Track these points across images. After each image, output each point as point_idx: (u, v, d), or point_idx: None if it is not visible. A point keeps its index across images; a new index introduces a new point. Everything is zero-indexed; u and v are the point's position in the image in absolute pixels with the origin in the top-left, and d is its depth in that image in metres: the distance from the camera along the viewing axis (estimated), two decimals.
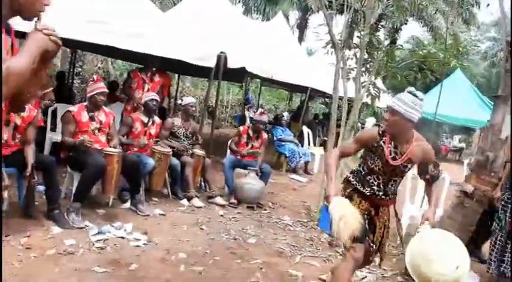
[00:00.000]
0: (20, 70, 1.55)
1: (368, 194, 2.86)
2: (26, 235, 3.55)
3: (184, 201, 5.21)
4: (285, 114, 14.38)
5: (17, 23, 1.80)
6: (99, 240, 3.73)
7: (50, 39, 1.69)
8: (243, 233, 4.55)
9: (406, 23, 17.62)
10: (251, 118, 6.45)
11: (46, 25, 1.70)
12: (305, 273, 3.73)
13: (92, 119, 4.43)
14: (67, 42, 7.82)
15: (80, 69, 10.33)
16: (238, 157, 5.93)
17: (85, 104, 4.50)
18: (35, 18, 1.72)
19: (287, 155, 8.32)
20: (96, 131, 4.45)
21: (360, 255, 2.76)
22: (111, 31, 5.05)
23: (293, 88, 12.69)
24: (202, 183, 5.83)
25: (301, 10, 16.81)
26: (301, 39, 17.33)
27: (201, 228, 4.47)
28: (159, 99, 5.26)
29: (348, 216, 2.58)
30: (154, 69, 6.24)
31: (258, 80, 12.33)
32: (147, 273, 3.30)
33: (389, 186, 2.86)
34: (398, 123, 2.66)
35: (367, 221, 2.87)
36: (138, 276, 3.23)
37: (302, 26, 18.17)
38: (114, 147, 4.46)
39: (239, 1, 17.02)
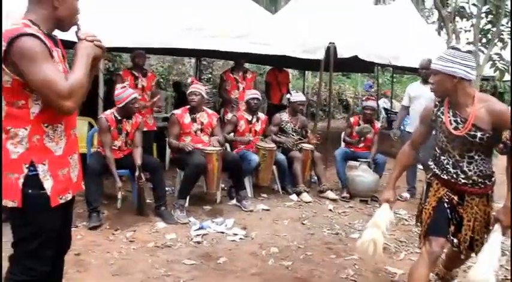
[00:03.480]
0: (80, 83, 1.73)
1: (446, 178, 2.50)
2: (133, 229, 3.92)
3: (294, 197, 5.20)
4: None
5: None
6: (198, 234, 3.92)
7: (95, 44, 1.85)
8: (348, 228, 4.37)
9: None
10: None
11: (87, 32, 1.86)
12: (406, 271, 3.39)
13: (194, 120, 4.69)
14: (189, 52, 8.46)
15: (209, 76, 11.05)
16: (352, 149, 5.70)
17: (188, 107, 4.77)
18: (75, 28, 1.89)
19: None
20: (198, 132, 4.70)
21: (436, 249, 2.43)
22: (211, 35, 5.26)
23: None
24: (315, 178, 5.73)
25: None
26: (440, 20, 15.84)
27: (303, 223, 4.41)
28: (260, 97, 5.32)
29: (377, 242, 2.55)
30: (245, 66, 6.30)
31: (391, 68, 11.67)
32: (234, 266, 3.37)
33: (467, 165, 2.42)
34: (442, 83, 2.34)
35: (448, 211, 2.52)
36: (224, 269, 3.31)
37: (441, 5, 16.69)
38: (219, 145, 4.64)
39: None
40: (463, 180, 2.44)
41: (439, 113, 2.46)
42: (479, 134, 2.32)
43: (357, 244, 2.59)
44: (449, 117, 2.40)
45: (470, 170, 2.42)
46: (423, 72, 5.00)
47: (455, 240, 2.56)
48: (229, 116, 5.75)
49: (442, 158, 2.50)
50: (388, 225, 2.62)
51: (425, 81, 4.98)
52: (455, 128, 2.37)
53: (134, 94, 4.34)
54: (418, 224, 2.70)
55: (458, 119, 2.37)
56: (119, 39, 4.62)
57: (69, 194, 1.92)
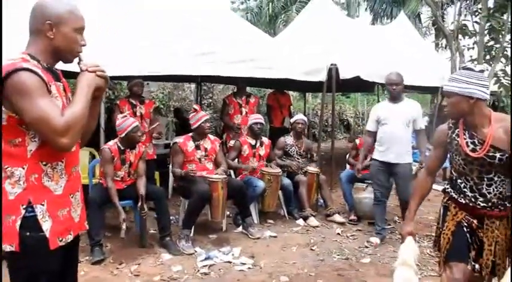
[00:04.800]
0: (78, 117, 1.63)
1: (464, 202, 2.41)
2: (137, 262, 3.80)
3: (300, 221, 5.08)
4: (425, 119, 13.32)
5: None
6: (205, 265, 3.80)
7: (97, 75, 1.77)
8: (358, 252, 4.25)
9: None
10: None
11: (88, 63, 1.78)
12: None
13: (197, 147, 4.62)
14: (190, 77, 8.47)
15: (210, 100, 11.03)
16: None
17: (191, 134, 4.69)
18: (77, 59, 1.81)
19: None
20: (203, 159, 4.62)
21: (457, 276, 2.33)
22: (213, 61, 5.22)
23: (426, 90, 11.64)
24: (322, 201, 5.62)
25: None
26: (438, 36, 15.93)
27: (312, 249, 4.29)
28: (263, 122, 5.26)
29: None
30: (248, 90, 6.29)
31: None
32: None
33: (487, 188, 2.33)
34: (458, 104, 2.26)
35: (468, 236, 2.42)
36: None
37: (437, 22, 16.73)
38: (223, 173, 4.55)
39: (366, 9, 16.46)
40: (482, 204, 2.35)
41: (454, 136, 2.39)
42: (498, 155, 2.23)
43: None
44: (465, 139, 2.32)
45: (490, 193, 2.33)
46: (392, 89, 4.31)
47: (476, 266, 2.45)
48: (231, 142, 5.68)
49: (459, 181, 2.42)
50: (416, 260, 2.51)
51: (393, 99, 4.41)
52: (473, 150, 2.29)
53: (135, 123, 4.26)
54: (437, 249, 2.60)
55: (476, 141, 2.29)
56: (118, 67, 4.57)
57: (70, 235, 1.81)
